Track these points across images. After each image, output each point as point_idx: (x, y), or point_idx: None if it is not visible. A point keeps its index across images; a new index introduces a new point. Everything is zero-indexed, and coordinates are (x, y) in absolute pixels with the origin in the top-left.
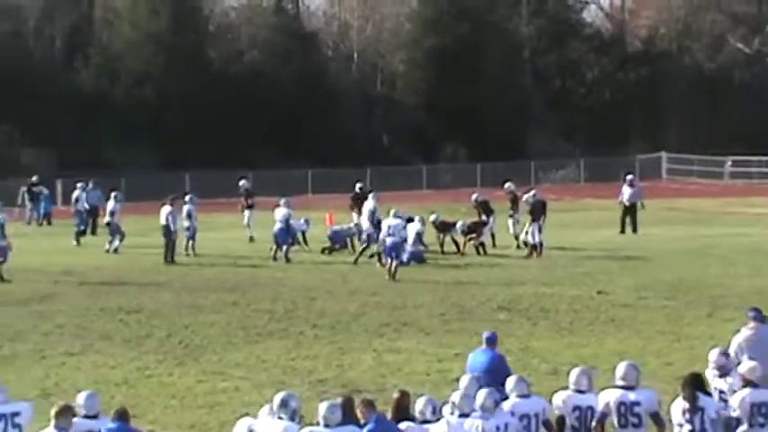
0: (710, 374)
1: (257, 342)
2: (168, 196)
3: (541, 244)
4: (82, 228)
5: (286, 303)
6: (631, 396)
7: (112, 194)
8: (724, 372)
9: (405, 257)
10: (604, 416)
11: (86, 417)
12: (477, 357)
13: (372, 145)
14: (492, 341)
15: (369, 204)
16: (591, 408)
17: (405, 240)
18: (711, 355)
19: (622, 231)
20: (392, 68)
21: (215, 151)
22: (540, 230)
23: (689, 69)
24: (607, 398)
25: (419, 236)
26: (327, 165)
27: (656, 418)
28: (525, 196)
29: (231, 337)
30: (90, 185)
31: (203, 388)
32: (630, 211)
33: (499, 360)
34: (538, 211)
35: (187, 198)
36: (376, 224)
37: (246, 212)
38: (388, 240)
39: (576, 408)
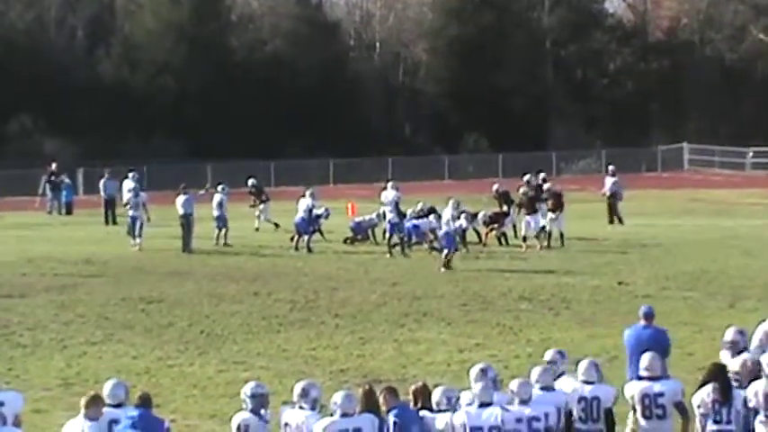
0: (724, 355)
1: (278, 332)
2: (181, 185)
3: (551, 234)
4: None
5: (307, 293)
6: (656, 387)
7: (129, 174)
8: (737, 350)
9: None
10: (635, 410)
11: (111, 406)
12: (641, 332)
13: (394, 135)
14: (651, 315)
15: (391, 194)
16: (597, 398)
17: (464, 231)
18: (727, 334)
19: (611, 222)
20: (414, 58)
21: (236, 141)
22: (557, 221)
23: (711, 60)
24: (632, 391)
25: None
26: (349, 155)
27: (681, 407)
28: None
29: (252, 326)
30: (107, 175)
31: (224, 377)
32: (612, 201)
33: (663, 334)
34: (531, 203)
35: (219, 188)
36: (402, 215)
37: (261, 206)
38: (444, 228)
39: (581, 399)
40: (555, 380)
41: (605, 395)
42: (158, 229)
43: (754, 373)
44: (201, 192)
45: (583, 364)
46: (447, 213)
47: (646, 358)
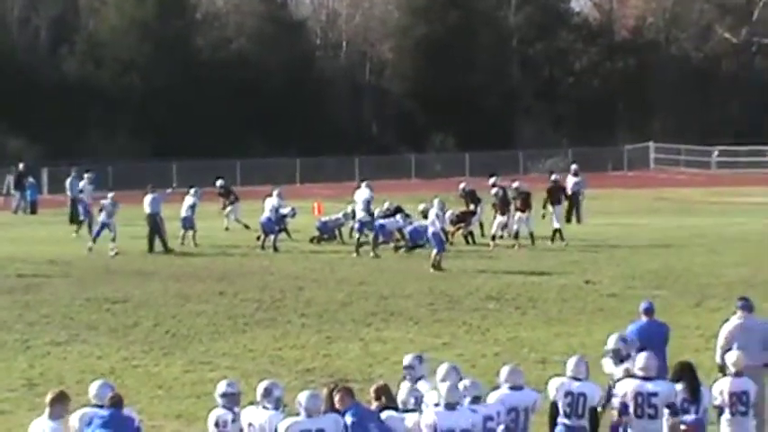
0: (606, 363)
1: (244, 331)
2: (148, 185)
3: (517, 234)
4: (80, 218)
5: (273, 293)
6: (649, 386)
7: (85, 176)
8: (620, 357)
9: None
10: (625, 407)
11: (96, 406)
12: (651, 328)
13: (361, 134)
14: (652, 310)
15: (364, 194)
16: (583, 395)
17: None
18: (609, 342)
19: (568, 221)
20: (381, 57)
21: (202, 140)
22: (526, 221)
23: (676, 59)
24: (625, 388)
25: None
26: (315, 154)
27: (674, 409)
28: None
29: (218, 326)
30: (73, 174)
31: (190, 378)
32: (574, 200)
33: (665, 327)
34: (505, 203)
35: (192, 191)
36: (371, 214)
37: (229, 207)
38: (430, 229)
39: (568, 393)
40: (414, 383)
41: (591, 393)
42: (123, 228)
43: None
44: (168, 191)
45: (572, 360)
46: (433, 213)
47: (642, 357)
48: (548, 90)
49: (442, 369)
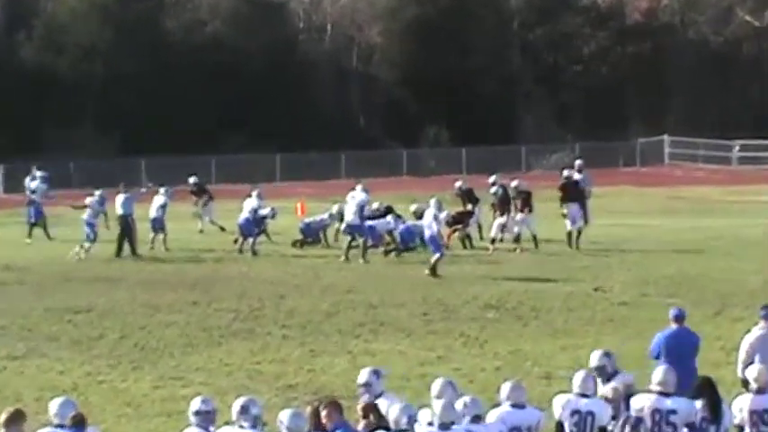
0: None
1: (220, 344)
2: (120, 184)
3: (519, 236)
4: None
5: (252, 301)
6: (668, 403)
7: (38, 174)
8: (606, 375)
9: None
10: (639, 421)
11: (58, 426)
12: (681, 336)
13: (347, 127)
14: (683, 317)
15: (359, 196)
16: (591, 413)
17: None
18: (592, 359)
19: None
20: (369, 41)
21: (173, 133)
22: (528, 222)
23: (693, 44)
24: (641, 403)
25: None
26: (297, 149)
27: (693, 428)
28: (493, 188)
29: (191, 338)
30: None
31: (160, 395)
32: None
33: (695, 336)
34: (506, 203)
35: (162, 190)
36: (363, 218)
37: (204, 206)
38: (427, 232)
39: (575, 412)
40: (376, 399)
41: (600, 412)
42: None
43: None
44: (143, 190)
45: (579, 375)
46: (429, 214)
47: (660, 371)
48: (551, 78)
49: (437, 385)
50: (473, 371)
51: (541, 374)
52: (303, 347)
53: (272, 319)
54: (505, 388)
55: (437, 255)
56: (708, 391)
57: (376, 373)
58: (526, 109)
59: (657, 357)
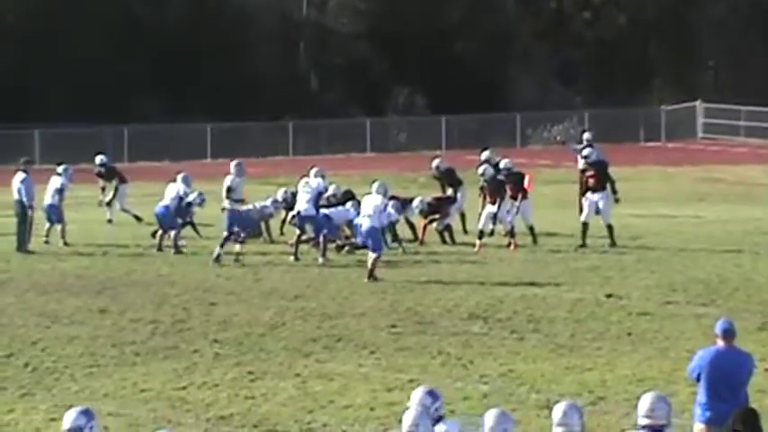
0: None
1: (134, 364)
2: (20, 159)
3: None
4: None
5: (175, 310)
6: None
7: None
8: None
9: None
10: None
11: None
12: (729, 358)
13: (296, 90)
14: (733, 333)
15: (315, 183)
16: None
17: (393, 225)
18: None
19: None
20: None
21: (74, 99)
22: (516, 212)
23: None
24: None
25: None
26: (233, 118)
27: None
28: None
29: (98, 357)
30: None
31: (57, 428)
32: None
33: (748, 358)
34: (500, 189)
35: (60, 169)
36: (318, 207)
37: (113, 191)
38: (365, 224)
39: None
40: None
41: None
42: None
43: None
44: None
45: (560, 407)
46: (371, 202)
47: (647, 399)
48: (554, 30)
49: (409, 417)
50: (454, 399)
51: (540, 403)
52: (240, 368)
53: (200, 332)
54: (489, 418)
55: (375, 254)
56: (751, 423)
57: (431, 394)
58: (522, 69)
59: (698, 379)
